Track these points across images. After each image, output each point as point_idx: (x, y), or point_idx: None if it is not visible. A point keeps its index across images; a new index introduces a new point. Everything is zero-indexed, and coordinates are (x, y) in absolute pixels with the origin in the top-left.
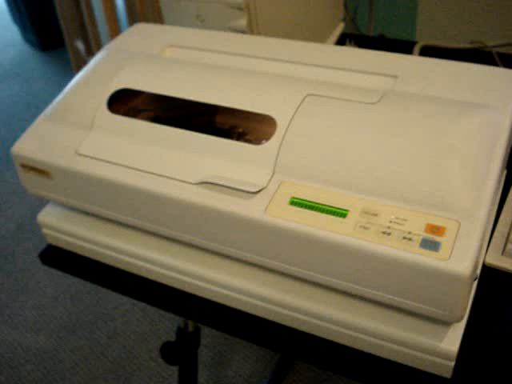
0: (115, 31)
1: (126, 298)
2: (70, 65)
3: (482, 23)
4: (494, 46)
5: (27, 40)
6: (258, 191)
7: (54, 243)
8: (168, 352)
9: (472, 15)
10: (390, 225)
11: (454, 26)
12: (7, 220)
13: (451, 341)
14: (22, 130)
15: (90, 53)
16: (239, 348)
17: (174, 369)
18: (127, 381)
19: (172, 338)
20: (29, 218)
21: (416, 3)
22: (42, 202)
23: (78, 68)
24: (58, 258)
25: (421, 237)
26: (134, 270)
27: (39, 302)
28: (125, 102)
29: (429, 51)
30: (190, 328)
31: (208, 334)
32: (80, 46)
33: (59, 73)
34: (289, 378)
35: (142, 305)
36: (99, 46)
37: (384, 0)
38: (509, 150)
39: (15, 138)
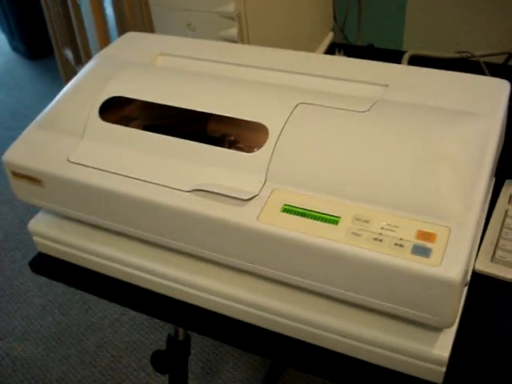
0: (105, 41)
1: (114, 308)
2: (58, 74)
3: (470, 33)
4: (481, 56)
5: (15, 48)
6: (251, 198)
7: (45, 251)
8: (158, 360)
9: (459, 25)
10: (381, 231)
11: (441, 36)
12: None
13: (442, 346)
14: (9, 138)
15: (79, 62)
16: (229, 357)
17: (164, 378)
18: None
19: (161, 347)
20: (16, 228)
21: (403, 13)
22: (30, 211)
23: (67, 77)
24: (49, 266)
25: (412, 243)
26: (126, 278)
27: (27, 312)
28: (116, 110)
29: (417, 61)
30: (181, 336)
31: (197, 344)
32: (69, 55)
33: (47, 82)
34: None
35: (131, 314)
36: (88, 56)
37: (372, 10)
38: (497, 158)
39: (2, 147)
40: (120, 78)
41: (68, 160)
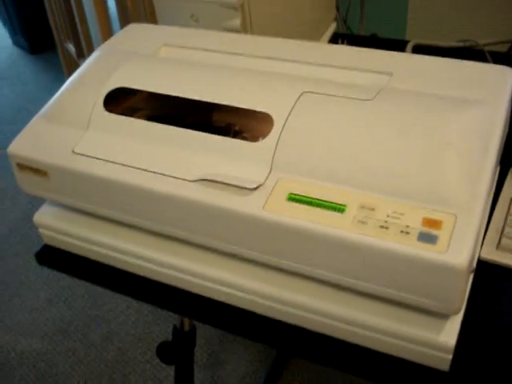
0: (107, 34)
1: (120, 300)
2: (60, 68)
3: (473, 22)
4: (485, 45)
5: (16, 43)
6: (256, 188)
7: (51, 243)
8: (164, 352)
9: (462, 14)
10: (387, 219)
11: (444, 25)
12: None
13: (449, 334)
14: (12, 133)
15: (82, 56)
16: (233, 349)
17: (170, 370)
18: (122, 383)
19: (167, 339)
20: (20, 222)
21: (406, 3)
22: (34, 206)
23: (69, 71)
24: (54, 257)
25: (418, 230)
26: (132, 269)
27: (32, 305)
28: (121, 101)
29: (421, 50)
30: (186, 327)
31: (202, 335)
32: (71, 48)
33: (49, 76)
34: (283, 378)
35: (137, 306)
36: (91, 49)
37: (375, 0)
38: (502, 146)
39: (6, 141)
40: (124, 69)
41: (73, 151)
